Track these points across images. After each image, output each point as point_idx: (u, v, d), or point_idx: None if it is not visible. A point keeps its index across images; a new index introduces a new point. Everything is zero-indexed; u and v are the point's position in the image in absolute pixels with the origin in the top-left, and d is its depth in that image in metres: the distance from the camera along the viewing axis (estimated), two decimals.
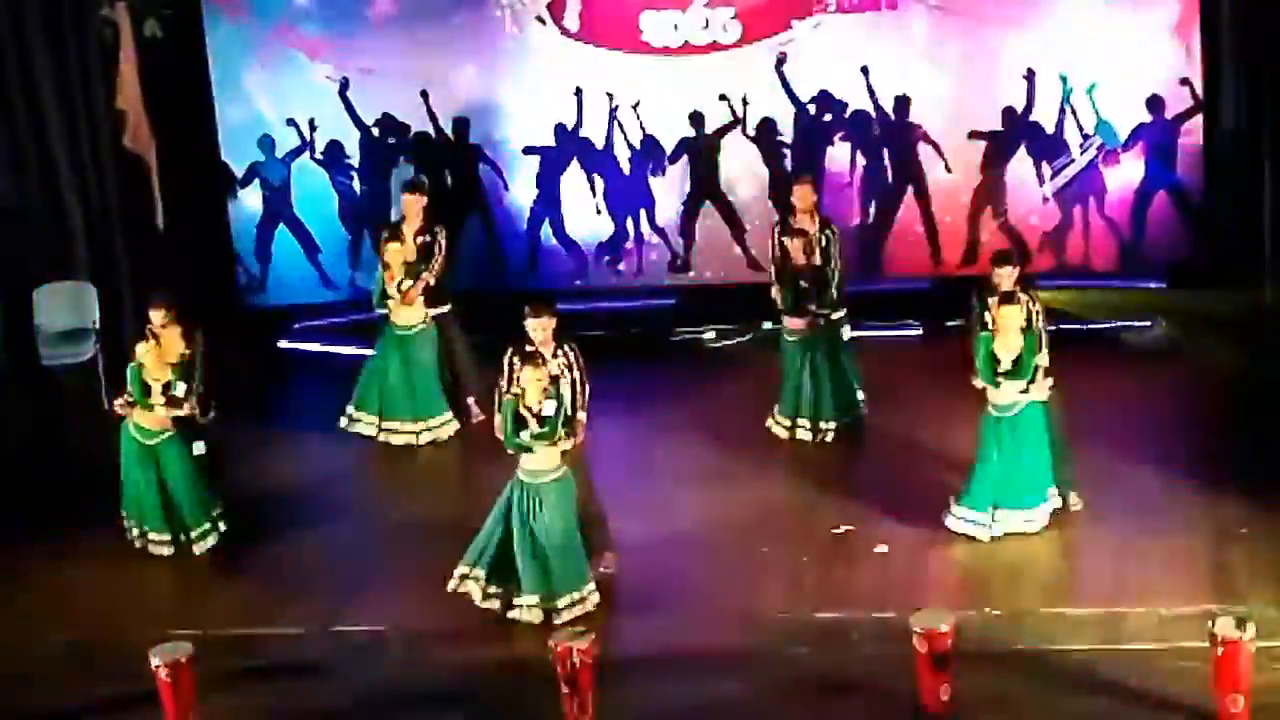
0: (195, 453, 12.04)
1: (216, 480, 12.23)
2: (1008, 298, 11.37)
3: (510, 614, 10.70)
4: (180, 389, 11.77)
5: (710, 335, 16.07)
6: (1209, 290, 15.36)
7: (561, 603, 10.66)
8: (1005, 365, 11.16)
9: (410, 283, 13.64)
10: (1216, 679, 9.10)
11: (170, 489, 11.88)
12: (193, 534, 11.94)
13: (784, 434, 13.49)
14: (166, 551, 11.93)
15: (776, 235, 13.58)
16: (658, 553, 11.51)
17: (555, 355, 11.03)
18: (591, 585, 10.83)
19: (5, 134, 14.71)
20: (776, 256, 13.51)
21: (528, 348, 10.89)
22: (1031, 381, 11.22)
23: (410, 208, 14.05)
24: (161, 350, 11.80)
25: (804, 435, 13.41)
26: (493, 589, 10.75)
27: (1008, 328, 11.18)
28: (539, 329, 11.08)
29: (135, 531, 12.02)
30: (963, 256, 16.12)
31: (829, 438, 13.36)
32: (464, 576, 10.78)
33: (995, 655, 9.89)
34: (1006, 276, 11.77)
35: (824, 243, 13.33)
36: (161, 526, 11.92)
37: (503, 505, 10.71)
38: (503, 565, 10.72)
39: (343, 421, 13.92)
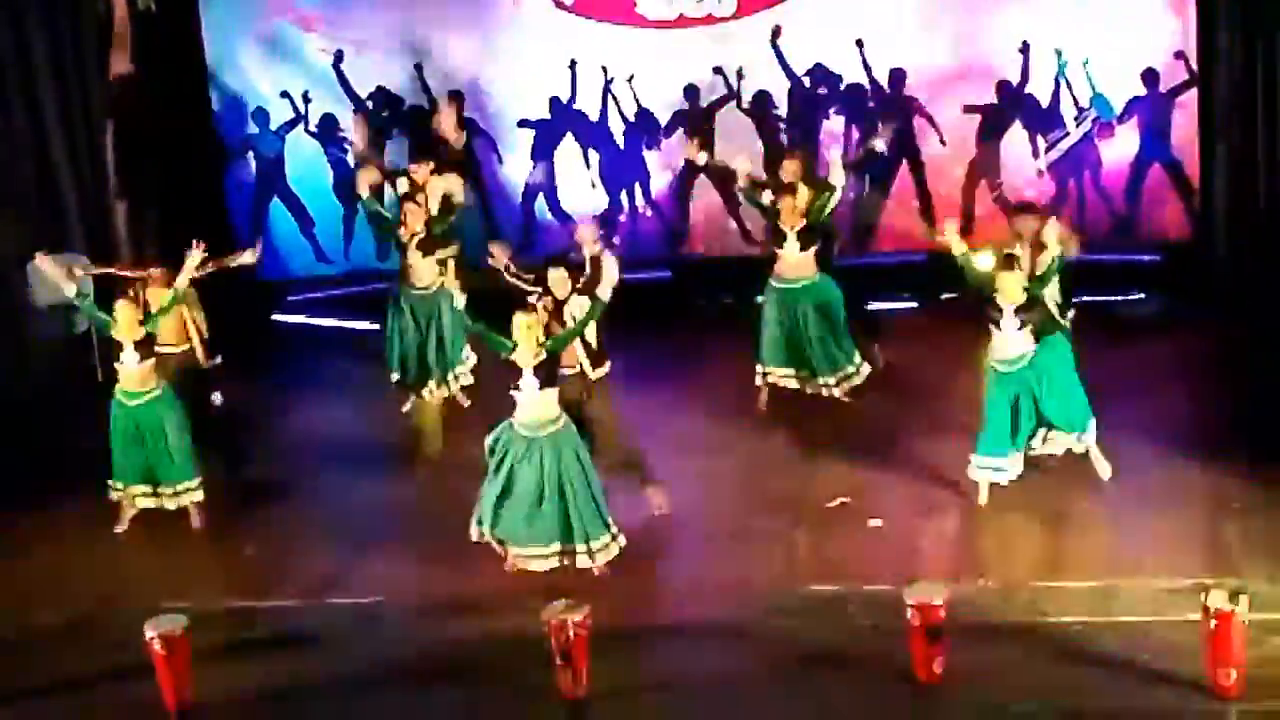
0: (215, 402, 12.39)
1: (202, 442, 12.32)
2: (1007, 262, 11.42)
3: (533, 565, 10.86)
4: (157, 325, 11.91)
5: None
6: (1203, 263, 15.36)
7: (580, 548, 10.79)
8: (1006, 317, 11.29)
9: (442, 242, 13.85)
10: (1209, 652, 9.11)
11: (151, 447, 11.90)
12: (176, 488, 11.98)
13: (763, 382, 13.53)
14: (150, 503, 11.97)
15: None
16: (652, 525, 11.53)
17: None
18: (615, 529, 10.92)
19: None
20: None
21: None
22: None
23: (419, 174, 14.12)
24: (136, 308, 11.87)
25: (792, 384, 13.45)
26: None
27: (1007, 291, 11.24)
28: (558, 281, 11.30)
29: (120, 493, 12.03)
30: (958, 229, 16.07)
31: (836, 392, 13.39)
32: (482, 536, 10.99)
33: (989, 627, 9.91)
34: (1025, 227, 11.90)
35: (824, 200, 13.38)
36: (143, 482, 11.97)
37: (502, 460, 10.82)
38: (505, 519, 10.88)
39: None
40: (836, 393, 13.33)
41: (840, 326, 13.31)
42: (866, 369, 13.40)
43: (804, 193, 13.28)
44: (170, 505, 12.01)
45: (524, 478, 10.75)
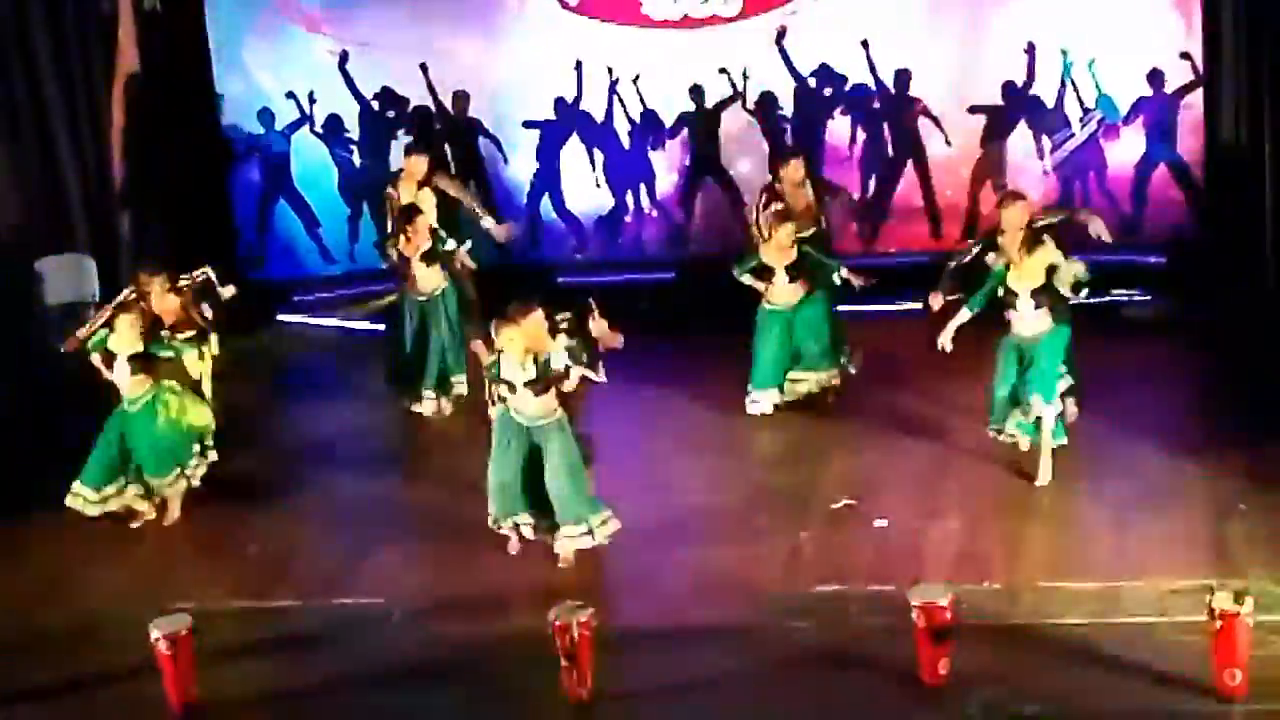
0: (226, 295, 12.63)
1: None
2: (1035, 240, 11.59)
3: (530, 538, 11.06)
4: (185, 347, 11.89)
5: None
6: (1209, 264, 15.34)
7: (572, 531, 10.87)
8: (1023, 299, 11.43)
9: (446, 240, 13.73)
10: (1215, 653, 9.10)
11: (141, 447, 11.92)
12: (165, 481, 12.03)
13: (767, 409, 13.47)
14: (144, 506, 12.02)
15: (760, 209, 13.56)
16: (656, 526, 11.51)
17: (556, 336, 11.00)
18: (608, 512, 10.95)
19: (3, 108, 14.67)
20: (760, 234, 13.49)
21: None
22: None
23: (415, 168, 14.07)
24: (140, 323, 11.85)
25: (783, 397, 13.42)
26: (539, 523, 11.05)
27: (1032, 269, 11.46)
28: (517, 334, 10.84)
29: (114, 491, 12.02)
30: (963, 231, 16.11)
31: (803, 388, 13.39)
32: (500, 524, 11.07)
33: (994, 629, 9.89)
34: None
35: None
36: (139, 482, 11.99)
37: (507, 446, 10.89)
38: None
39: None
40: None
41: (825, 336, 13.40)
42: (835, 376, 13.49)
43: (789, 229, 13.18)
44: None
45: (514, 460, 10.90)
